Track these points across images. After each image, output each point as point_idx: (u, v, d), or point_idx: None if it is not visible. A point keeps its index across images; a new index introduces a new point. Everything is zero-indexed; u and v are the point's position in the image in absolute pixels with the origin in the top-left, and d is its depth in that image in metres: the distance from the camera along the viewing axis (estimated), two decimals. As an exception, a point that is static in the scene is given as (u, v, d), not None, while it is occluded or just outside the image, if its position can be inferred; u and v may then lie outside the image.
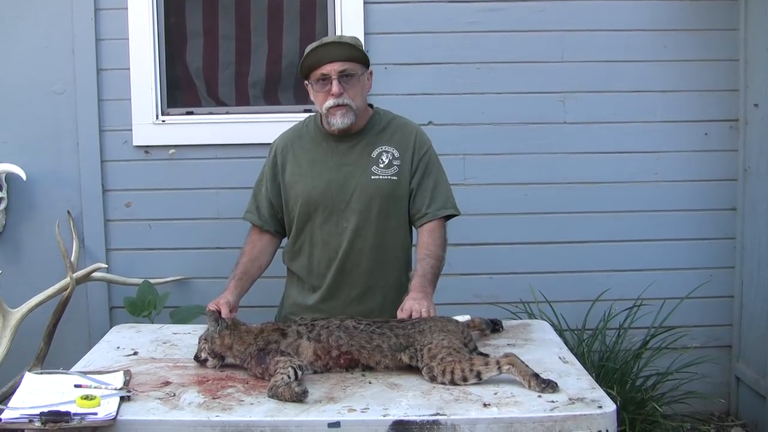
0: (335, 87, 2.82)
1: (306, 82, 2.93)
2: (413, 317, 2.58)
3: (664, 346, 4.06)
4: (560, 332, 3.97)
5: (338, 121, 2.87)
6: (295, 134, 3.07)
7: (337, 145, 2.95)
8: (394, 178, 2.94)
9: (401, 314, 2.63)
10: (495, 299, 4.21)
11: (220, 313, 2.61)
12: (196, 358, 2.50)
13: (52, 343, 3.60)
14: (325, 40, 2.89)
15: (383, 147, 2.96)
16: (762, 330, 4.06)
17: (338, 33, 4.10)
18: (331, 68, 2.82)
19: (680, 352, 4.10)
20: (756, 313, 4.12)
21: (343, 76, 2.83)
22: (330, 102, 2.85)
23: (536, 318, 3.91)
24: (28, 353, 3.55)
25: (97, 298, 4.20)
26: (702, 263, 4.31)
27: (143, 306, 3.90)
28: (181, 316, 3.88)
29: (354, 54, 2.84)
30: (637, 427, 3.77)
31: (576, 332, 4.10)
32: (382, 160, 2.94)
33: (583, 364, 3.70)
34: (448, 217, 3.01)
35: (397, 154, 2.95)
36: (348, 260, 2.96)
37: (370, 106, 3.06)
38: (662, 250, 4.30)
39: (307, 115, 3.01)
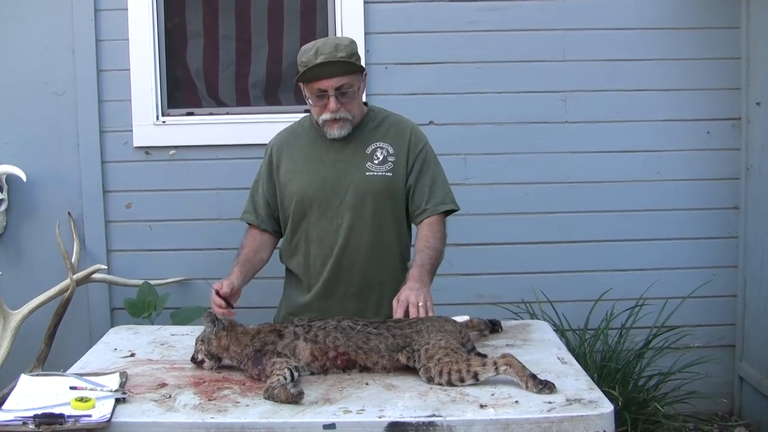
0: (332, 104, 2.82)
1: (300, 83, 2.92)
2: (410, 308, 2.55)
3: (667, 345, 4.05)
4: (562, 332, 3.97)
5: (335, 133, 2.89)
6: (291, 133, 3.07)
7: (332, 142, 2.94)
8: (389, 174, 2.93)
9: (397, 304, 2.59)
10: (497, 299, 4.20)
11: (217, 315, 2.59)
12: (193, 359, 2.49)
13: (53, 345, 3.59)
14: (322, 55, 2.80)
15: (377, 143, 2.95)
16: (766, 329, 4.04)
17: (338, 33, 4.09)
18: (329, 84, 2.81)
19: (683, 352, 4.09)
20: (759, 312, 4.10)
21: (339, 92, 2.82)
22: (327, 116, 2.85)
23: (538, 318, 3.89)
24: (28, 355, 3.55)
25: (97, 300, 4.21)
26: (704, 262, 4.29)
27: (143, 307, 3.90)
28: (182, 317, 3.88)
29: (350, 69, 2.82)
30: (639, 427, 3.76)
31: (578, 332, 4.08)
32: (376, 156, 2.94)
33: (585, 364, 3.73)
34: (447, 214, 3.00)
35: (391, 150, 2.95)
36: (344, 257, 2.95)
37: (365, 104, 3.05)
38: (664, 249, 4.28)
39: (305, 115, 3.00)
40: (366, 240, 2.94)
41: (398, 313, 2.57)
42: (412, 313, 2.54)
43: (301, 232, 3.00)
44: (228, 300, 2.72)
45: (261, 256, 3.02)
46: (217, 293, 2.70)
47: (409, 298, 2.58)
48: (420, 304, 2.56)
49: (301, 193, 2.95)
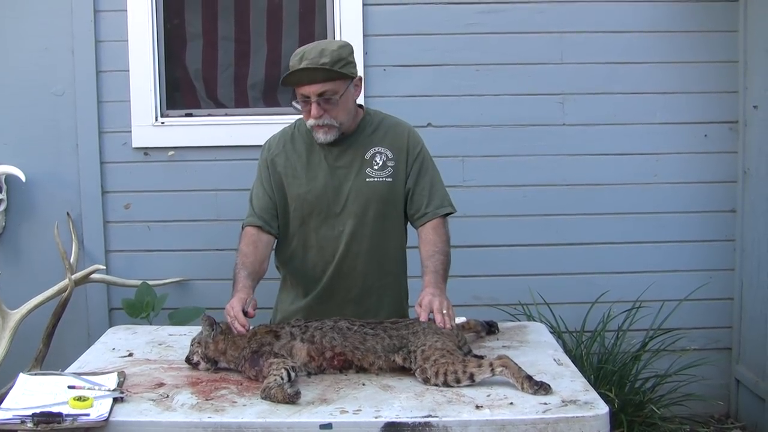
0: (314, 110, 2.77)
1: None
2: (435, 315, 2.49)
3: (663, 348, 4.06)
4: (559, 334, 3.98)
5: (321, 138, 2.83)
6: (287, 136, 3.00)
7: (330, 148, 2.90)
8: (389, 179, 2.90)
9: (419, 309, 2.53)
10: (494, 301, 4.21)
11: (215, 319, 2.55)
12: (188, 360, 2.49)
13: (51, 345, 3.60)
14: (306, 60, 2.75)
15: (376, 148, 2.92)
16: (762, 332, 4.05)
17: (337, 35, 4.10)
18: (310, 90, 2.75)
19: (679, 355, 4.10)
20: (756, 315, 4.11)
21: (323, 98, 2.77)
22: (311, 122, 2.81)
23: (535, 320, 3.90)
24: (27, 354, 3.56)
25: (96, 300, 4.21)
26: (701, 265, 4.30)
27: (141, 307, 3.91)
28: (180, 317, 3.89)
29: (331, 76, 2.75)
30: (635, 429, 3.77)
31: (575, 334, 4.09)
32: (375, 161, 2.91)
33: (582, 366, 3.74)
34: (446, 215, 2.99)
35: (390, 155, 2.92)
36: (344, 264, 2.92)
37: (360, 107, 3.00)
38: (661, 251, 4.29)
39: (300, 117, 2.97)
40: (366, 246, 2.91)
41: (422, 317, 2.51)
42: (438, 320, 2.48)
43: (299, 238, 2.95)
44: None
45: (265, 266, 2.87)
46: (245, 314, 2.53)
47: (433, 304, 2.52)
48: (444, 312, 2.51)
49: (300, 199, 2.91)
